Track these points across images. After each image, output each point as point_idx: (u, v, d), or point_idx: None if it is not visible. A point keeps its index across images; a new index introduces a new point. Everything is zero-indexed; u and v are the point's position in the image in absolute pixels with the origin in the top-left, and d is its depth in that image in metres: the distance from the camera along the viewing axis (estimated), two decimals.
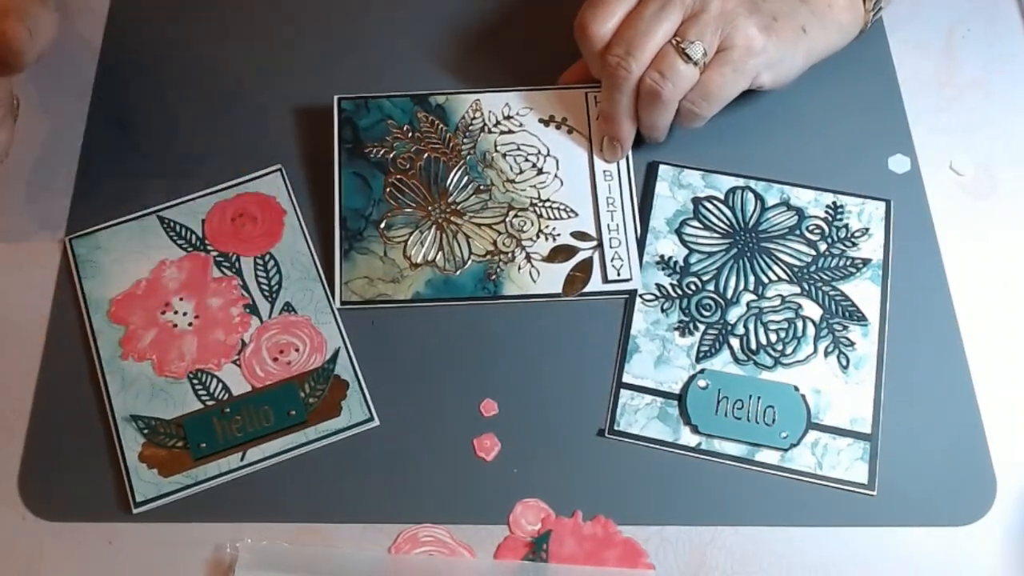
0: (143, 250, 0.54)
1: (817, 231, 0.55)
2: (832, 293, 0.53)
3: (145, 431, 0.49)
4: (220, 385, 0.50)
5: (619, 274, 0.53)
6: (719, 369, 0.52)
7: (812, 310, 0.53)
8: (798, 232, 0.55)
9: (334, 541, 0.48)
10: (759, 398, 0.51)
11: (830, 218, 0.55)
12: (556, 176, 0.56)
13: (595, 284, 0.53)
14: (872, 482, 0.49)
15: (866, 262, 0.54)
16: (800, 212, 0.56)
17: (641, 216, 0.55)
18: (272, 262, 0.53)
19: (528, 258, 0.54)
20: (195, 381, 0.50)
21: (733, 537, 0.48)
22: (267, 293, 0.53)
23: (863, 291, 0.53)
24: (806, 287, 0.54)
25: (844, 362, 0.52)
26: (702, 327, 0.53)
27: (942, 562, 0.48)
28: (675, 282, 0.54)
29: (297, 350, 0.51)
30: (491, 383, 0.51)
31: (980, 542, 0.48)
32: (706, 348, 0.52)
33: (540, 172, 0.56)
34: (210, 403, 0.50)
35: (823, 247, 0.55)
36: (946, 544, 0.48)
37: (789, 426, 0.50)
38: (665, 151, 0.57)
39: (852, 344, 0.52)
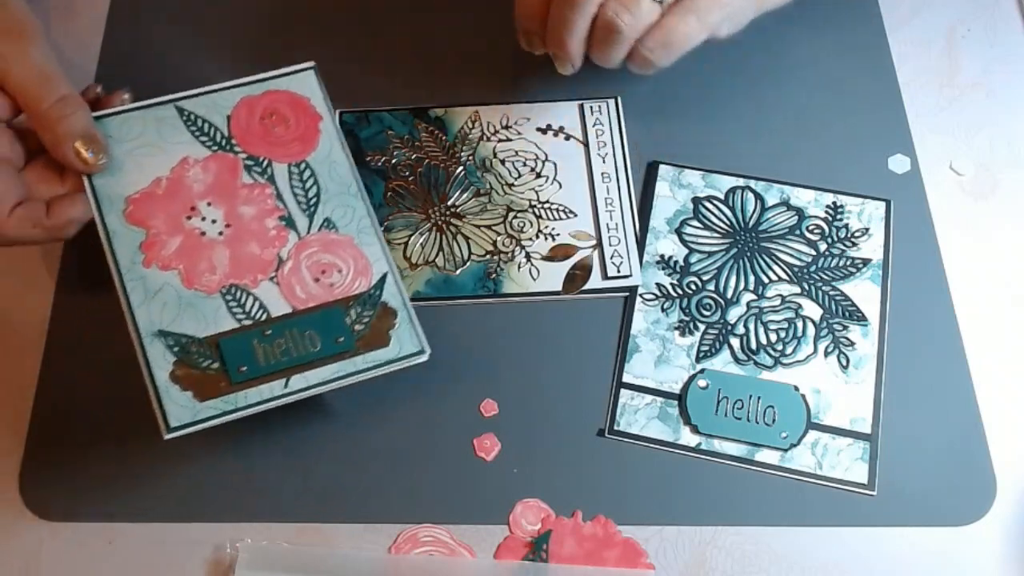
0: (160, 144, 0.48)
1: (817, 231, 0.55)
2: (832, 293, 0.53)
3: (176, 349, 0.45)
4: (257, 304, 0.46)
5: (619, 271, 0.53)
6: (719, 369, 0.52)
7: (812, 310, 0.53)
8: (798, 232, 0.55)
9: (334, 541, 0.48)
10: (759, 398, 0.51)
11: (830, 218, 0.55)
12: (555, 179, 0.56)
13: (595, 281, 0.53)
14: (872, 482, 0.49)
15: (866, 262, 0.54)
16: (800, 212, 0.56)
17: (641, 216, 0.55)
18: (308, 171, 0.49)
19: (528, 257, 0.54)
20: (229, 297, 0.46)
21: (733, 537, 0.48)
22: (304, 206, 0.48)
23: (863, 291, 0.53)
24: (806, 287, 0.54)
25: (844, 362, 0.52)
26: (702, 327, 0.53)
27: (942, 562, 0.48)
28: (675, 282, 0.54)
29: (340, 271, 0.47)
30: (491, 383, 0.51)
31: (980, 542, 0.48)
32: (706, 348, 0.52)
33: (538, 176, 0.56)
34: (247, 322, 0.46)
35: (823, 247, 0.55)
36: (946, 544, 0.48)
37: (789, 426, 0.50)
38: (665, 151, 0.57)
39: (852, 344, 0.52)
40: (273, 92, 0.50)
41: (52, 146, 0.46)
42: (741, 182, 0.56)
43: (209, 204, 0.48)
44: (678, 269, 0.54)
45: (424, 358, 0.46)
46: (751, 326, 0.53)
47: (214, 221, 0.47)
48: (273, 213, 0.48)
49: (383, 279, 0.47)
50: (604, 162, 0.56)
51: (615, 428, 0.50)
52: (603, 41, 0.49)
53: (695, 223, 0.55)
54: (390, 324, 0.47)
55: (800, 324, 0.53)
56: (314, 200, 0.48)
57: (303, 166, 0.49)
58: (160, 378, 0.44)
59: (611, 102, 0.58)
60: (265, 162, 0.49)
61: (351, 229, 0.48)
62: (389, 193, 0.55)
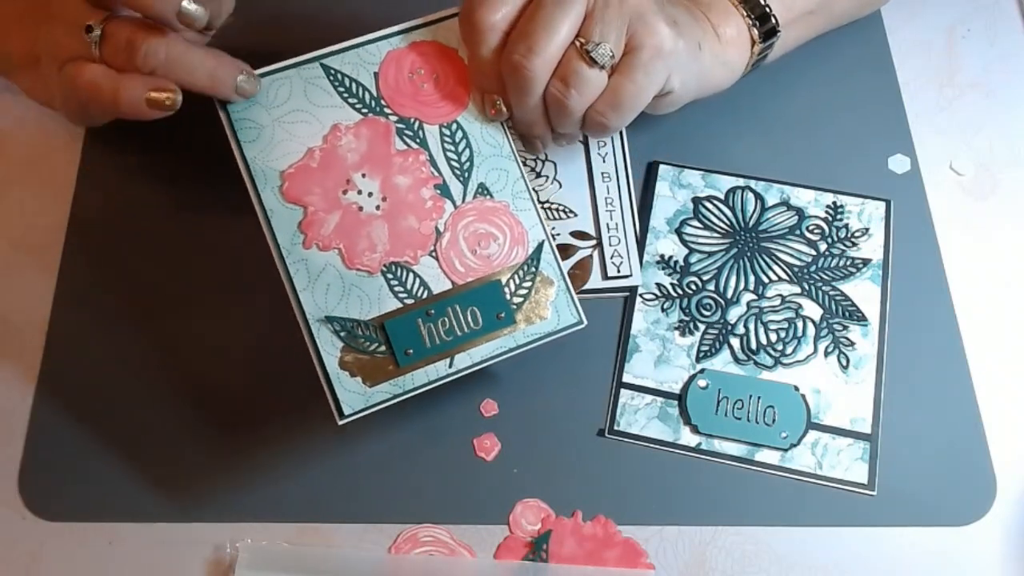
0: (309, 109, 0.46)
1: (817, 231, 0.55)
2: (832, 293, 0.53)
3: (342, 334, 0.44)
4: (418, 281, 0.45)
5: (619, 271, 0.53)
6: (719, 369, 0.52)
7: (812, 310, 0.53)
8: (798, 232, 0.55)
9: (334, 541, 0.48)
10: (759, 398, 0.51)
11: (830, 218, 0.55)
12: (555, 179, 0.56)
13: (595, 281, 0.53)
14: (872, 482, 0.49)
15: (866, 262, 0.54)
16: (800, 212, 0.56)
17: (641, 216, 0.55)
18: (460, 133, 0.46)
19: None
20: (390, 276, 0.45)
21: (733, 537, 0.48)
22: (458, 171, 0.46)
23: (863, 291, 0.53)
24: (806, 287, 0.54)
25: (844, 362, 0.52)
26: (702, 327, 0.53)
27: (942, 562, 0.48)
28: (675, 282, 0.54)
29: (496, 241, 0.46)
30: (491, 383, 0.51)
31: (980, 542, 0.48)
32: (706, 348, 0.52)
33: (538, 175, 0.56)
34: (409, 302, 0.44)
35: (823, 247, 0.55)
36: (946, 544, 0.48)
37: (789, 426, 0.50)
38: (665, 151, 0.57)
39: (852, 344, 0.52)
40: (421, 44, 0.47)
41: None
42: (741, 182, 0.56)
43: (364, 176, 0.45)
44: (678, 269, 0.54)
45: (582, 327, 0.46)
46: (751, 326, 0.53)
47: (370, 194, 0.45)
48: (428, 182, 0.46)
49: (540, 247, 0.46)
50: (604, 162, 0.56)
51: (615, 428, 0.50)
52: (556, 116, 0.47)
53: (695, 223, 0.55)
54: (548, 295, 0.46)
55: (800, 324, 0.53)
56: (467, 164, 0.46)
57: (454, 127, 0.46)
58: (331, 365, 0.44)
59: None
60: (416, 124, 0.46)
61: (506, 194, 0.46)
62: None
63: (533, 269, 0.46)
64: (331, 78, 0.46)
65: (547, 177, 0.56)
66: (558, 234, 0.54)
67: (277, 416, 0.50)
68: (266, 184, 0.45)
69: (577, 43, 0.45)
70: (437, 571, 0.47)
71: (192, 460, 0.49)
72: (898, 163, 0.58)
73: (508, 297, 0.45)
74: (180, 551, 0.48)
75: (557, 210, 0.55)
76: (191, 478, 0.49)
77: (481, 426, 0.50)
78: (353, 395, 0.44)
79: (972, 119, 0.60)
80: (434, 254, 0.45)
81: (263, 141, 0.45)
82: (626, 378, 0.51)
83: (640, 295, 0.53)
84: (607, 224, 0.54)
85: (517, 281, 0.46)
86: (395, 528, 0.48)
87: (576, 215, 0.55)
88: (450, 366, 0.44)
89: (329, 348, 0.44)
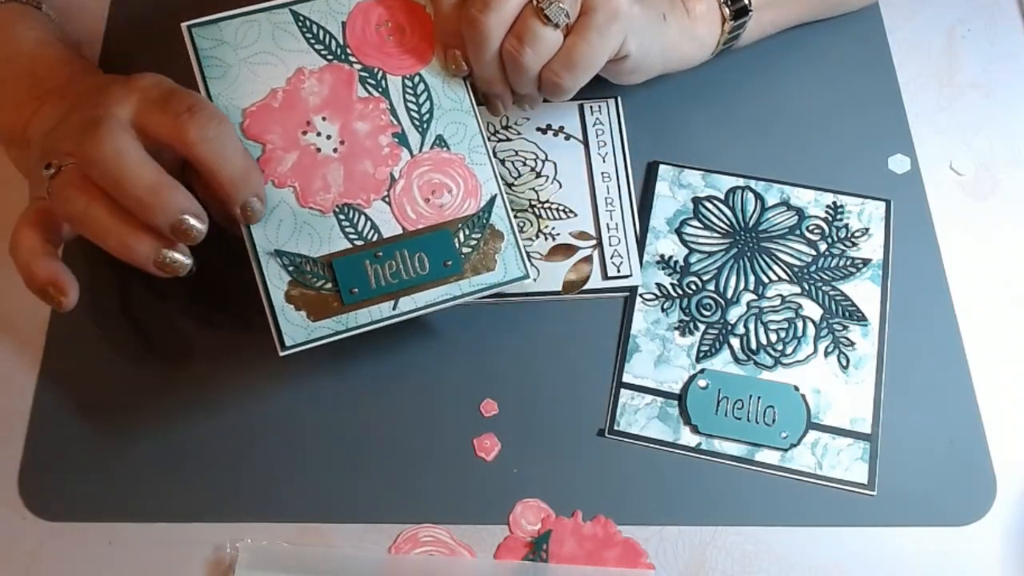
0: (276, 52, 0.47)
1: (817, 231, 0.55)
2: (832, 293, 0.53)
3: (290, 268, 0.45)
4: (369, 224, 0.46)
5: (619, 271, 0.53)
6: (719, 369, 0.52)
7: (812, 310, 0.53)
8: (798, 232, 0.55)
9: (334, 541, 0.48)
10: (759, 398, 0.51)
11: (830, 218, 0.55)
12: (555, 179, 0.56)
13: (595, 281, 0.53)
14: (872, 482, 0.49)
15: (866, 262, 0.54)
16: (800, 212, 0.56)
17: (641, 216, 0.55)
18: (422, 85, 0.48)
19: (528, 257, 0.54)
20: (342, 217, 0.46)
21: (733, 537, 0.48)
22: (417, 122, 0.47)
23: (863, 291, 0.53)
24: (806, 287, 0.54)
25: (844, 362, 0.52)
26: (702, 327, 0.53)
27: (942, 562, 0.48)
28: (675, 282, 0.54)
29: (450, 192, 0.47)
30: (491, 383, 0.51)
31: (980, 542, 0.48)
32: (706, 348, 0.52)
33: (538, 175, 0.56)
34: (359, 243, 0.46)
35: (823, 247, 0.55)
36: (946, 544, 0.48)
37: (789, 426, 0.50)
38: (665, 151, 0.57)
39: (852, 344, 0.52)
40: None
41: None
42: (741, 182, 0.56)
43: (324, 119, 0.47)
44: (678, 269, 0.54)
45: (529, 281, 0.47)
46: (751, 326, 0.53)
47: (329, 137, 0.46)
48: (387, 129, 0.47)
49: (492, 201, 0.47)
50: (604, 162, 0.56)
51: (615, 428, 0.50)
52: (511, 73, 0.48)
53: (695, 223, 0.55)
54: (496, 248, 0.47)
55: (800, 324, 0.53)
56: (427, 116, 0.47)
57: (417, 79, 0.48)
58: (276, 297, 0.45)
59: (611, 102, 0.58)
60: (380, 74, 0.47)
61: (463, 148, 0.47)
62: None
63: (484, 221, 0.47)
64: (299, 24, 0.47)
65: (547, 177, 0.56)
66: (558, 234, 0.54)
67: (278, 416, 0.50)
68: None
69: (534, 1, 0.45)
70: (437, 571, 0.47)
71: (192, 460, 0.49)
72: (898, 163, 0.58)
73: (457, 246, 0.46)
74: (180, 551, 0.48)
75: (557, 210, 0.55)
76: (191, 478, 0.49)
77: (481, 426, 0.50)
78: (296, 328, 0.45)
79: (972, 119, 0.60)
80: (387, 199, 0.46)
81: (228, 79, 0.46)
82: (626, 378, 0.51)
83: (640, 295, 0.53)
84: (607, 224, 0.55)
85: (467, 232, 0.47)
86: (395, 528, 0.48)
87: (576, 215, 0.55)
88: (394, 308, 0.45)
89: (276, 281, 0.45)
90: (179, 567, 0.47)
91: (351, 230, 0.46)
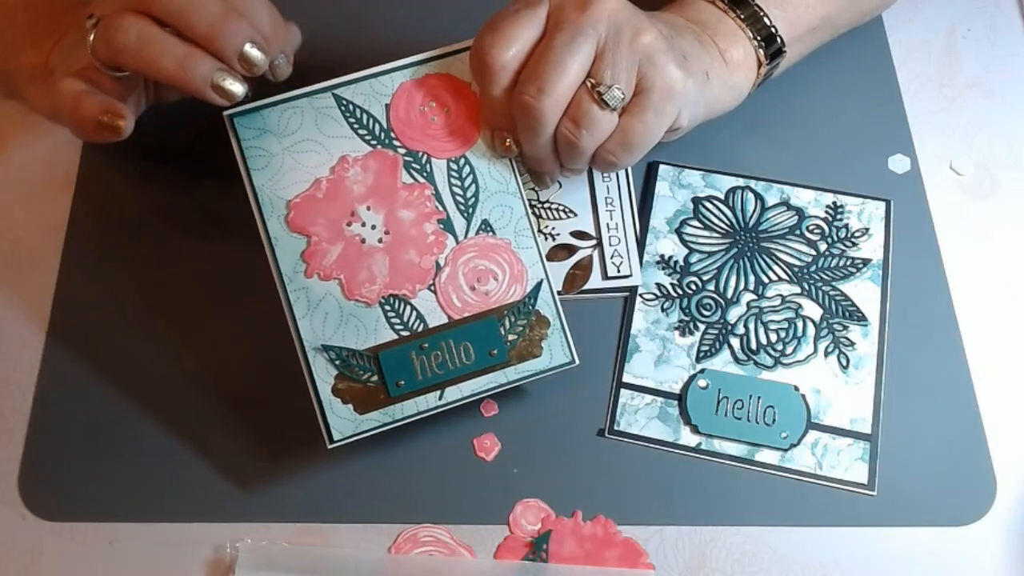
0: (319, 139, 0.46)
1: (817, 231, 0.55)
2: (832, 293, 0.53)
3: (337, 363, 0.45)
4: (415, 314, 0.45)
5: (619, 271, 0.53)
6: (719, 369, 0.52)
7: (812, 310, 0.53)
8: (798, 232, 0.55)
9: (334, 541, 0.48)
10: (759, 398, 0.51)
11: (830, 218, 0.55)
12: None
13: (595, 281, 0.53)
14: (872, 482, 0.49)
15: (866, 262, 0.54)
16: (800, 212, 0.56)
17: (641, 216, 0.55)
18: (468, 168, 0.46)
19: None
20: (388, 308, 0.45)
21: (733, 537, 0.48)
22: (463, 207, 0.46)
23: (863, 291, 0.53)
24: (806, 287, 0.54)
25: (844, 362, 0.52)
26: (702, 327, 0.53)
27: (942, 562, 0.48)
28: (675, 282, 0.54)
29: (496, 278, 0.46)
30: None
31: (980, 542, 0.48)
32: (706, 348, 0.52)
33: None
34: (404, 334, 0.45)
35: (823, 247, 0.55)
36: (946, 544, 0.48)
37: (789, 426, 0.50)
38: (665, 151, 0.57)
39: (852, 344, 0.52)
40: (434, 76, 0.47)
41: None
42: (741, 182, 0.56)
43: (369, 208, 0.46)
44: (678, 269, 0.54)
45: (574, 366, 0.47)
46: (751, 326, 0.53)
47: (374, 227, 0.46)
48: (432, 216, 0.46)
49: (538, 286, 0.47)
50: None
51: (615, 428, 0.50)
52: (566, 155, 0.47)
53: (695, 223, 0.55)
54: (542, 334, 0.46)
55: (800, 324, 0.53)
56: (472, 200, 0.47)
57: (462, 162, 0.47)
58: (324, 391, 0.45)
59: None
60: (424, 158, 0.46)
61: (508, 231, 0.47)
62: None
63: (530, 307, 0.46)
64: (342, 108, 0.46)
65: None
66: (558, 234, 0.54)
67: (277, 416, 0.50)
68: (272, 212, 0.45)
69: (588, 83, 0.44)
70: (437, 571, 0.47)
71: (192, 460, 0.49)
72: (898, 163, 0.58)
73: (503, 334, 0.46)
74: (180, 551, 0.48)
75: (557, 210, 0.55)
76: (191, 478, 0.49)
77: (481, 426, 0.50)
78: (344, 421, 0.45)
79: (972, 119, 0.60)
80: (432, 288, 0.46)
81: (272, 169, 0.46)
82: (626, 378, 0.51)
83: (640, 295, 0.53)
84: (607, 224, 0.54)
85: (513, 319, 0.46)
86: (395, 528, 0.48)
87: (576, 215, 0.55)
88: (440, 398, 0.46)
89: (324, 375, 0.45)
90: (179, 567, 0.47)
91: (397, 321, 0.45)
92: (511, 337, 0.46)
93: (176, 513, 0.48)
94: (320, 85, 0.46)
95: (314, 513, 0.49)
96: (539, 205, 0.55)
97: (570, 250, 0.54)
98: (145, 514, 0.48)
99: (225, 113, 0.46)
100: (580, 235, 0.54)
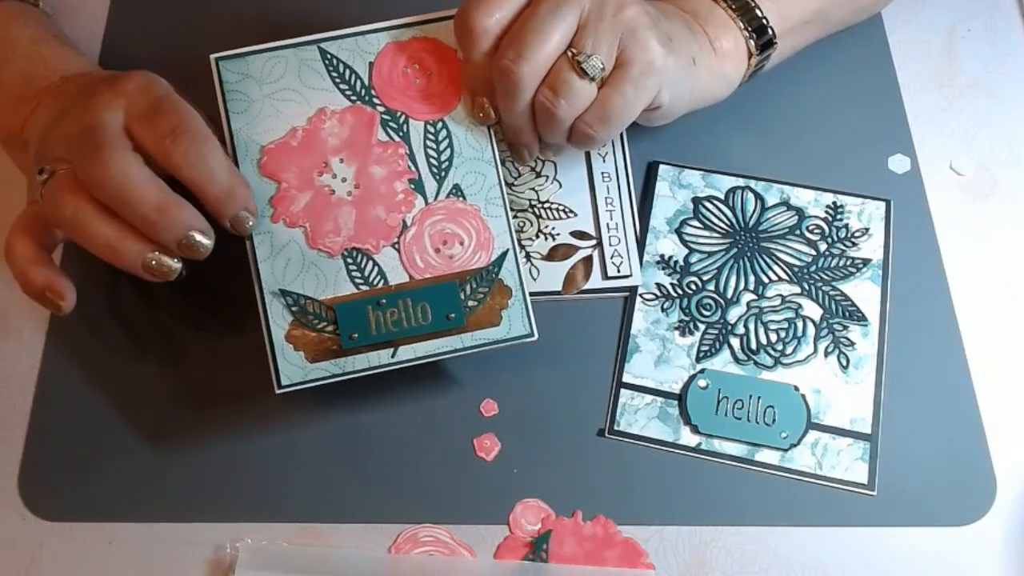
0: (300, 89, 0.47)
1: (817, 231, 0.55)
2: (832, 293, 0.53)
3: (294, 308, 0.45)
4: (376, 270, 0.46)
5: (619, 271, 0.53)
6: (719, 369, 0.52)
7: (812, 310, 0.53)
8: (798, 232, 0.55)
9: (334, 541, 0.48)
10: (759, 398, 0.51)
11: (830, 218, 0.55)
12: (554, 179, 0.56)
13: (595, 281, 0.53)
14: (872, 482, 0.49)
15: (866, 262, 0.54)
16: (800, 212, 0.56)
17: (641, 216, 0.55)
18: (445, 132, 0.47)
19: (528, 257, 0.54)
20: (350, 261, 0.46)
21: (733, 537, 0.48)
22: (435, 170, 0.47)
23: (863, 291, 0.53)
24: (806, 287, 0.54)
25: (844, 362, 0.52)
26: (702, 327, 0.53)
27: (942, 562, 0.48)
28: (675, 282, 0.54)
29: (461, 243, 0.46)
30: (491, 383, 0.51)
31: (980, 542, 0.48)
32: (706, 348, 0.52)
33: (538, 175, 0.56)
34: (364, 288, 0.46)
35: (823, 247, 0.55)
36: (946, 544, 0.48)
37: (789, 426, 0.50)
38: (665, 151, 0.57)
39: (852, 344, 0.52)
40: (420, 40, 0.47)
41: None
42: (741, 182, 0.56)
43: (341, 161, 0.46)
44: (678, 269, 0.54)
45: (532, 340, 0.46)
46: (751, 326, 0.53)
47: (344, 179, 0.46)
48: (403, 175, 0.47)
49: (504, 255, 0.47)
50: (604, 162, 0.56)
51: (615, 428, 0.50)
52: (543, 125, 0.47)
53: (695, 223, 0.55)
54: (503, 304, 0.46)
55: (800, 324, 0.53)
56: (446, 164, 0.47)
57: (440, 125, 0.47)
58: (277, 336, 0.45)
59: None
60: (402, 118, 0.47)
61: (479, 199, 0.47)
62: None
63: (493, 276, 0.46)
64: (326, 62, 0.47)
65: (547, 177, 0.56)
66: (558, 234, 0.54)
67: (277, 416, 0.50)
68: (246, 155, 0.46)
69: (569, 53, 0.45)
70: (437, 571, 0.47)
71: (192, 460, 0.49)
72: (898, 163, 0.58)
73: (463, 299, 0.46)
74: (180, 551, 0.48)
75: (557, 210, 0.55)
76: (191, 478, 0.49)
77: (481, 426, 0.50)
78: (294, 368, 0.45)
79: (972, 119, 0.60)
80: (396, 246, 0.46)
81: (250, 114, 0.46)
82: (626, 378, 0.51)
83: (640, 295, 0.53)
84: (607, 224, 0.55)
85: (474, 285, 0.46)
86: (395, 528, 0.48)
87: (576, 215, 0.55)
88: (392, 356, 0.45)
89: (279, 320, 0.45)
90: (179, 567, 0.47)
91: (358, 275, 0.46)
92: (471, 303, 0.46)
93: (176, 513, 0.48)
94: (307, 38, 0.47)
95: (314, 513, 0.49)
96: (539, 205, 0.55)
97: (570, 250, 0.54)
98: (145, 514, 0.48)
99: (212, 56, 0.47)
100: (580, 235, 0.54)
